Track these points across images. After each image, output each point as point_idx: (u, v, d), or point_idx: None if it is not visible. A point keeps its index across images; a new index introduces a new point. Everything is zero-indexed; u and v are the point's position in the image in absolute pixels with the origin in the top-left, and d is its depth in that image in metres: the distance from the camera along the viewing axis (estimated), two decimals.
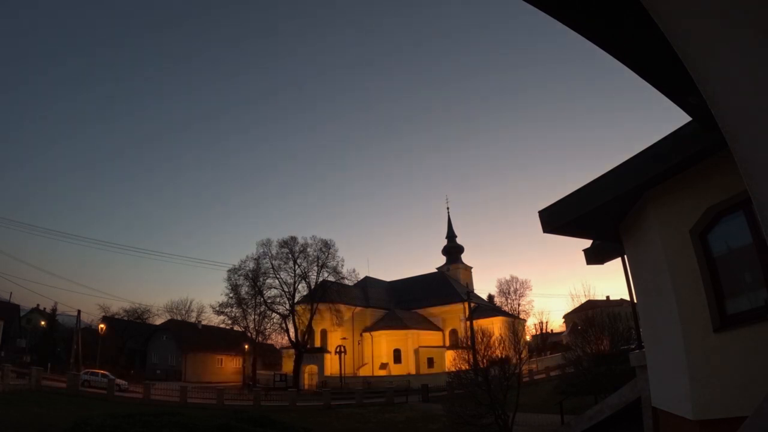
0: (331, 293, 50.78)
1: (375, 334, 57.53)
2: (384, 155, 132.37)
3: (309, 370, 53.14)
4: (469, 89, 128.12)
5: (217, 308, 52.92)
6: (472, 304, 50.63)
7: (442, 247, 73.83)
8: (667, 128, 5.44)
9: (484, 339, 18.94)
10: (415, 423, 24.27)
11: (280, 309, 53.05)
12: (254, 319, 53.36)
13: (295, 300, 52.36)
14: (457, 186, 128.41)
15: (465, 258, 72.90)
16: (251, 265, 52.62)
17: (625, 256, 8.79)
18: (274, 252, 52.54)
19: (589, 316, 30.27)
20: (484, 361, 17.98)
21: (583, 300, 63.03)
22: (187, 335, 57.23)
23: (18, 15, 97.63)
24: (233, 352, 57.67)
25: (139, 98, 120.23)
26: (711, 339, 5.37)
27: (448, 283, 65.97)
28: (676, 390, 6.18)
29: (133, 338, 55.51)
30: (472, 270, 72.64)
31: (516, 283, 64.35)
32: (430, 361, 56.45)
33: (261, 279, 52.45)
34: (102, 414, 15.33)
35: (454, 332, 60.54)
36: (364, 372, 54.86)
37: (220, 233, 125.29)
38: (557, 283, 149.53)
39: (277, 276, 52.87)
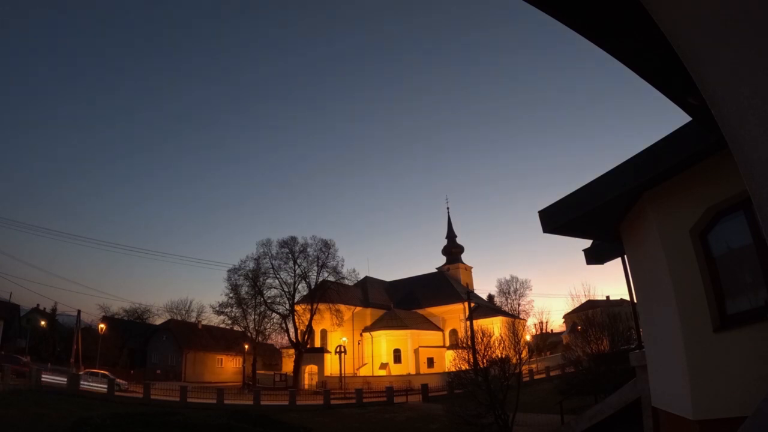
0: (331, 293, 50.74)
1: (375, 334, 57.49)
2: (384, 155, 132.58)
3: (309, 370, 53.10)
4: (469, 90, 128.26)
5: (217, 308, 52.93)
6: (472, 304, 50.49)
7: (442, 247, 73.80)
8: (667, 128, 5.45)
9: (484, 339, 18.88)
10: (415, 423, 24.25)
11: (280, 309, 53.07)
12: (254, 319, 53.34)
13: (295, 300, 52.32)
14: (457, 186, 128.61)
15: (465, 258, 72.97)
16: (251, 265, 52.63)
17: (625, 256, 8.80)
18: (274, 252, 52.55)
19: (589, 316, 30.21)
20: (484, 361, 17.95)
21: (583, 300, 63.03)
22: (187, 335, 57.22)
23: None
24: (233, 352, 57.67)
25: (140, 99, 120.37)
26: (711, 339, 5.36)
27: (448, 283, 65.88)
28: (676, 390, 6.18)
29: (133, 338, 55.43)
30: (472, 270, 72.73)
31: (516, 283, 64.50)
32: (430, 361, 56.43)
33: (261, 279, 52.41)
34: (102, 414, 15.36)
35: (454, 332, 60.46)
36: (364, 372, 54.81)
37: (220, 233, 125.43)
38: (557, 283, 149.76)
39: (277, 276, 52.89)
